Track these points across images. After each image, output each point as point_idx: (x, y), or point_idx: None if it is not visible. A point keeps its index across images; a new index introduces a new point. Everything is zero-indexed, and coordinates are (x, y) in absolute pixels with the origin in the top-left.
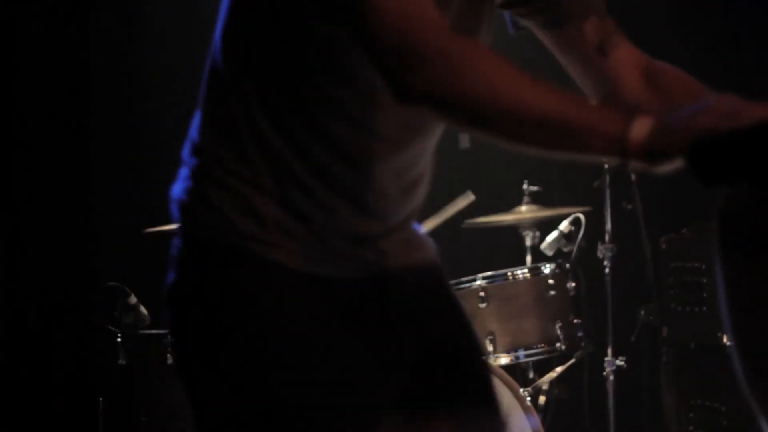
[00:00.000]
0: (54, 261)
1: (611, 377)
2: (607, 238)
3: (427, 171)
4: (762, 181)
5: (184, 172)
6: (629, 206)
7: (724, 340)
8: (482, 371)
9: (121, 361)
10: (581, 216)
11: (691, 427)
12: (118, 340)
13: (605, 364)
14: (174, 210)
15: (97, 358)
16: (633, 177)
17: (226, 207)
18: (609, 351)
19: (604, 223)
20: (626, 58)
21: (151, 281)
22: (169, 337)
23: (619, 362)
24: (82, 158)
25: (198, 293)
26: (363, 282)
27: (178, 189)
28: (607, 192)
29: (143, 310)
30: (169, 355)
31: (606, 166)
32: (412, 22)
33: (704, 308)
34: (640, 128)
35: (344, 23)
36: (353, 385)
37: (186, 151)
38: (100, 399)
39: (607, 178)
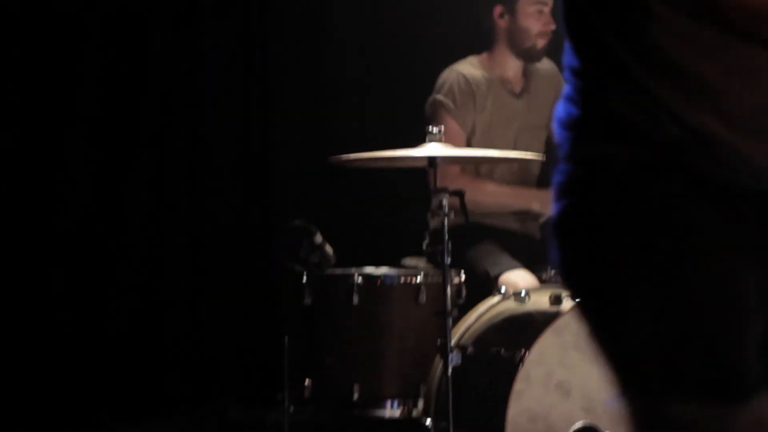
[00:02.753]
0: (237, 199)
1: None
2: None
3: None
4: None
5: (571, 91)
6: None
7: None
8: None
9: (307, 301)
10: None
11: None
12: (304, 280)
13: None
14: (563, 131)
15: (282, 298)
16: None
17: (635, 120)
18: None
19: None
20: None
21: (336, 218)
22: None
23: None
24: (261, 91)
25: (618, 213)
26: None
27: (566, 109)
28: None
29: (329, 249)
30: (355, 296)
31: None
32: None
33: None
34: None
35: None
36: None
37: (573, 65)
38: (285, 338)
39: None
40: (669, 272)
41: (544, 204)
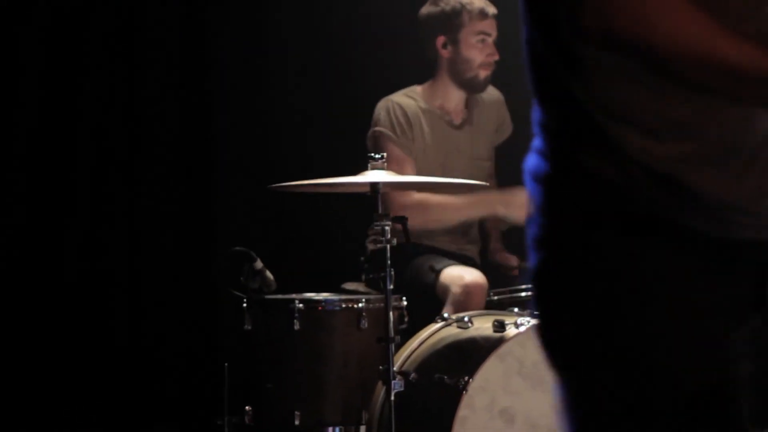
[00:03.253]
0: (178, 224)
1: None
2: None
3: None
4: None
5: (541, 145)
6: None
7: None
8: None
9: (247, 327)
10: None
11: None
12: (244, 305)
13: None
14: (534, 184)
15: (222, 324)
16: None
17: (607, 175)
18: None
19: None
20: None
21: (277, 244)
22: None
23: None
24: (204, 117)
25: (593, 267)
26: (749, 248)
27: (537, 162)
28: None
29: (269, 275)
30: (296, 321)
31: None
32: None
33: None
34: None
35: None
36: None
37: (541, 120)
38: (226, 365)
39: None
40: (647, 327)
41: (509, 206)
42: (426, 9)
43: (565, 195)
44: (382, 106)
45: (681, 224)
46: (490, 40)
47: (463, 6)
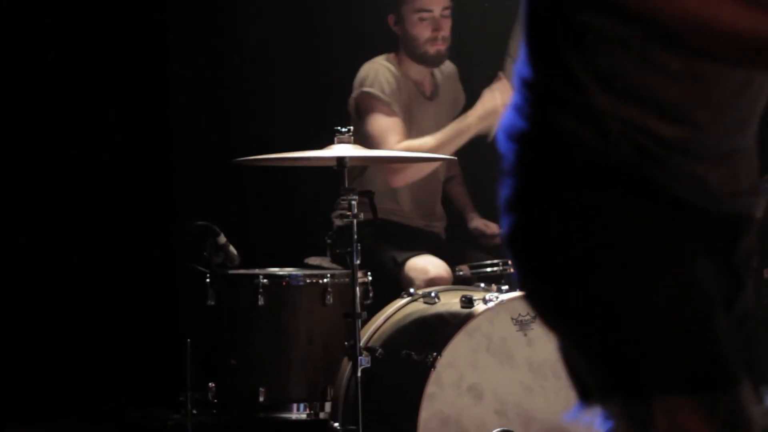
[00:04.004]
0: (140, 199)
1: None
2: None
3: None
4: None
5: (522, 102)
6: None
7: None
8: None
9: (210, 302)
10: None
11: None
12: (207, 280)
13: None
14: (509, 143)
15: (185, 299)
16: None
17: (590, 137)
18: None
19: None
20: None
21: (240, 219)
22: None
23: None
24: (165, 90)
25: (573, 225)
26: (719, 216)
27: (514, 120)
28: None
29: (233, 249)
30: (260, 297)
31: None
32: None
33: None
34: None
35: None
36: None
37: (527, 77)
38: (188, 340)
39: None
40: (625, 278)
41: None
42: None
43: (542, 153)
44: (369, 68)
45: (661, 188)
46: (435, 14)
47: None
